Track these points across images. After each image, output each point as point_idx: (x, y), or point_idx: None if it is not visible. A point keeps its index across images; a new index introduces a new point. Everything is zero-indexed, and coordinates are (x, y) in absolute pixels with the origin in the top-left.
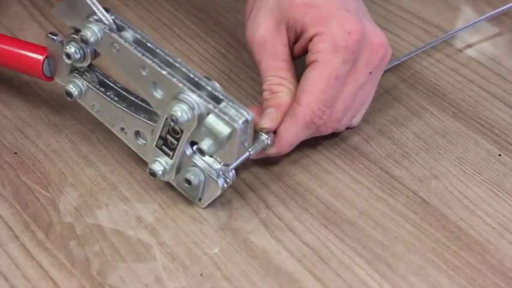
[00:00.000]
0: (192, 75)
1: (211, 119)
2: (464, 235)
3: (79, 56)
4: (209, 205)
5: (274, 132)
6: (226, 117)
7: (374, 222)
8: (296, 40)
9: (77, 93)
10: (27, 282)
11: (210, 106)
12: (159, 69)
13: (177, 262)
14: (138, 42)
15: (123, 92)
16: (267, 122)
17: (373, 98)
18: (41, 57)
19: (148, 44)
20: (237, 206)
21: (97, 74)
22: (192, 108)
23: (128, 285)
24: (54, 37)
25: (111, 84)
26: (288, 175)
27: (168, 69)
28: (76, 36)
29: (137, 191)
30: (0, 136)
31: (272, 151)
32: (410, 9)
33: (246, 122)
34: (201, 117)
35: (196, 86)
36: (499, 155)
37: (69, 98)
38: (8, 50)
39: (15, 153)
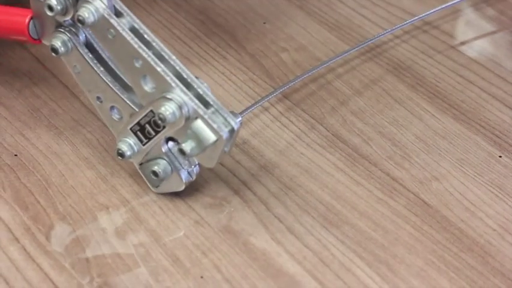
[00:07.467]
0: (185, 75)
1: (199, 124)
2: (465, 237)
3: (61, 6)
4: (210, 208)
5: None
6: (214, 125)
7: (374, 224)
8: None
9: (63, 49)
10: (28, 285)
11: (200, 111)
12: (154, 64)
13: (178, 264)
14: (134, 32)
15: (109, 63)
16: None
17: (373, 99)
18: (26, 19)
19: (145, 36)
20: (238, 209)
21: (84, 31)
22: (180, 109)
23: None
24: None
25: (98, 49)
26: (289, 177)
27: (162, 65)
28: None
29: (138, 193)
30: (0, 138)
31: None
32: (412, 11)
33: (232, 131)
34: (188, 120)
35: (187, 86)
36: (500, 156)
37: (54, 54)
38: None
39: (15, 155)
